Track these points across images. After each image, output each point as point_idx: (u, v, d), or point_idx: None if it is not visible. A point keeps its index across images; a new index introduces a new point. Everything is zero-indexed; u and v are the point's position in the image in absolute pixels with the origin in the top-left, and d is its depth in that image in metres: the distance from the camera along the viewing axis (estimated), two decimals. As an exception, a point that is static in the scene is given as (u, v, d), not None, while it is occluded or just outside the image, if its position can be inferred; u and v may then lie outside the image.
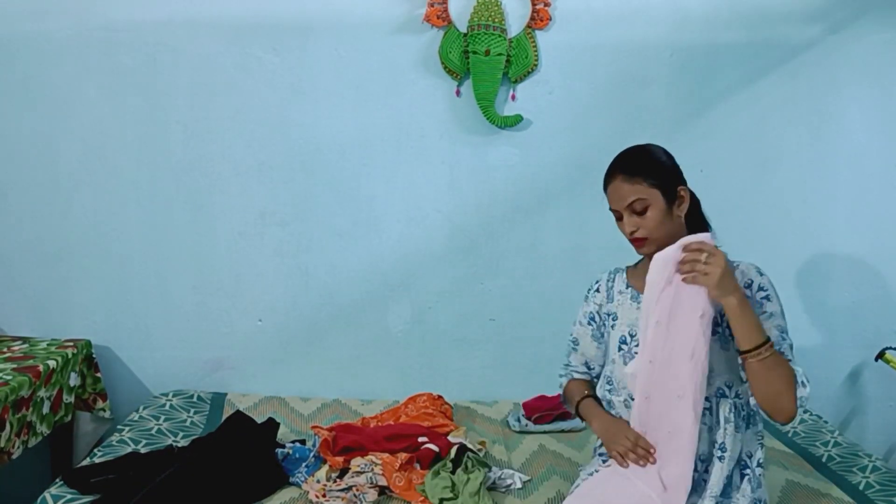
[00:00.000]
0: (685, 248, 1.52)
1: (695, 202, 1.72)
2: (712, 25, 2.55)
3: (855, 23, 2.55)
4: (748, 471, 1.65)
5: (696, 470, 1.60)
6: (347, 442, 2.09)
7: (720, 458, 1.61)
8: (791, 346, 1.58)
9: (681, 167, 1.70)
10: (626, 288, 1.77)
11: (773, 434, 2.41)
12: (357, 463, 2.02)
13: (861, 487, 2.03)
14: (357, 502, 1.88)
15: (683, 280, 1.51)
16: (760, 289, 1.61)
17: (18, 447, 2.12)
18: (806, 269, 2.66)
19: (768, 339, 1.51)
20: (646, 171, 1.62)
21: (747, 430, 1.66)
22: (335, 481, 1.97)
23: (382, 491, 1.96)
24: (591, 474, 1.75)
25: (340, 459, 2.03)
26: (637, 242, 1.65)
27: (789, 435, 2.42)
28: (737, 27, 2.55)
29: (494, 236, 2.64)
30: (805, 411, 2.58)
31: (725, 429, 1.61)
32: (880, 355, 2.45)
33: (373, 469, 1.98)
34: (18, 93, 2.52)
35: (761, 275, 1.63)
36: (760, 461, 1.67)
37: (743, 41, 2.56)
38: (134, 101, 2.54)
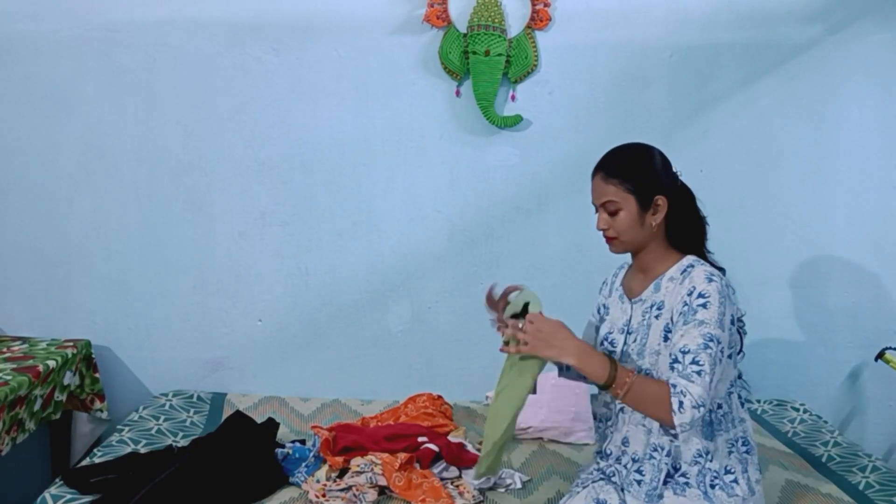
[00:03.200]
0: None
1: (684, 207, 1.68)
2: (712, 25, 2.55)
3: (855, 23, 2.55)
4: (695, 468, 1.62)
5: (632, 471, 1.65)
6: (347, 442, 2.09)
7: (650, 458, 1.63)
8: (714, 356, 1.49)
9: (675, 173, 1.67)
10: (619, 286, 1.79)
11: (773, 434, 2.41)
12: (357, 463, 2.02)
13: (861, 487, 2.03)
14: (357, 502, 1.88)
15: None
16: (700, 296, 1.54)
17: (7, 443, 2.12)
18: (806, 269, 2.66)
19: (613, 379, 1.52)
20: (623, 173, 1.62)
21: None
22: (335, 481, 1.97)
23: (382, 491, 1.96)
24: (589, 474, 1.76)
25: (340, 459, 2.03)
26: (607, 240, 1.69)
27: (789, 435, 2.42)
28: (737, 27, 2.55)
29: (494, 236, 2.64)
30: (805, 411, 2.58)
31: (660, 432, 1.62)
32: (880, 355, 2.44)
33: (372, 469, 1.98)
34: (18, 93, 2.52)
35: (710, 281, 1.55)
36: (725, 466, 1.62)
37: (743, 41, 2.56)
38: (134, 101, 2.54)
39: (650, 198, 1.62)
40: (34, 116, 2.53)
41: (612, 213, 1.64)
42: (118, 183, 2.57)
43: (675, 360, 1.53)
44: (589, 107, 2.58)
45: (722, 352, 1.52)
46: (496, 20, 2.47)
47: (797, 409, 2.60)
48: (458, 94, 2.56)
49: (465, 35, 2.49)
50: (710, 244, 1.72)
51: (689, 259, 1.65)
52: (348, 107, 2.56)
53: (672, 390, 1.49)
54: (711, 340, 1.51)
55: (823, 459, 2.23)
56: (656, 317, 1.63)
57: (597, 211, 1.68)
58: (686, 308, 1.56)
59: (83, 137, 2.55)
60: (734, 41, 2.56)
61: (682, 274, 1.63)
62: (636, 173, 1.63)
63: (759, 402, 2.65)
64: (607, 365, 1.54)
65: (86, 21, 2.49)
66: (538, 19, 2.51)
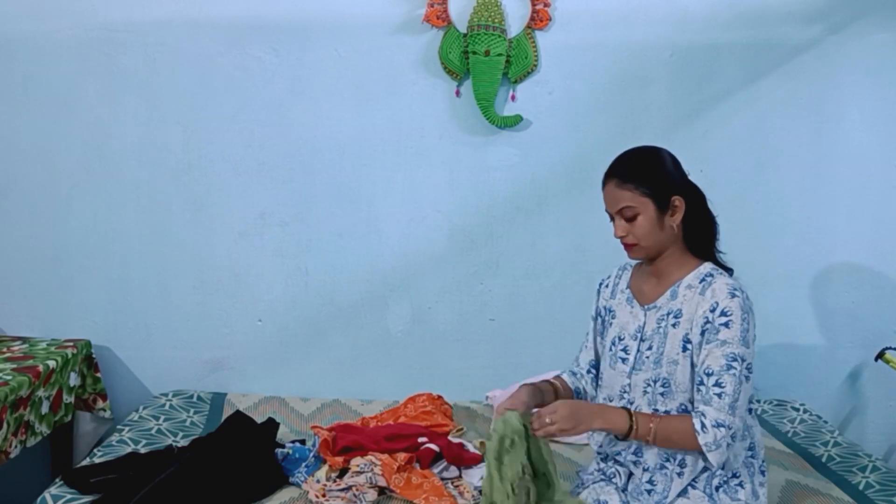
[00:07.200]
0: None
1: (697, 207, 1.67)
2: (712, 25, 2.54)
3: (855, 23, 2.55)
4: (705, 474, 1.62)
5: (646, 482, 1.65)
6: (347, 442, 2.09)
7: (679, 474, 1.61)
8: (738, 375, 1.52)
9: (685, 172, 1.67)
10: (626, 288, 1.76)
11: (773, 434, 2.41)
12: (357, 463, 2.02)
13: (861, 487, 2.03)
14: (357, 502, 1.88)
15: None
16: (722, 314, 1.54)
17: (16, 447, 2.12)
18: (806, 269, 2.66)
19: (633, 430, 1.56)
20: (638, 178, 1.59)
21: None
22: (335, 481, 1.97)
23: (382, 491, 1.96)
24: (590, 475, 1.75)
25: (340, 459, 2.03)
26: (627, 247, 1.65)
27: (789, 435, 2.42)
28: (737, 27, 2.54)
29: (494, 236, 2.64)
30: (805, 411, 2.58)
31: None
32: (880, 355, 2.44)
33: (372, 469, 1.98)
34: (18, 93, 2.52)
35: (733, 297, 1.55)
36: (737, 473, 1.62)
37: (743, 41, 2.56)
38: (134, 101, 2.54)
39: (667, 199, 1.60)
40: (34, 116, 2.53)
41: (630, 219, 1.60)
42: (118, 183, 2.57)
43: (700, 383, 1.55)
44: (589, 107, 2.57)
45: (748, 368, 1.53)
46: (496, 20, 2.47)
47: (797, 409, 2.59)
48: (458, 94, 2.55)
49: (465, 35, 2.49)
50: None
51: (707, 267, 1.64)
52: (348, 107, 2.56)
53: (693, 415, 1.54)
54: (735, 360, 1.52)
55: (823, 459, 2.23)
56: (674, 325, 1.61)
57: (612, 219, 1.65)
58: (709, 326, 1.55)
59: (83, 137, 2.55)
60: (734, 41, 2.56)
61: (700, 283, 1.61)
62: (650, 176, 1.60)
63: (759, 402, 2.65)
64: (626, 417, 1.57)
65: (86, 21, 2.49)
66: (538, 19, 2.51)
